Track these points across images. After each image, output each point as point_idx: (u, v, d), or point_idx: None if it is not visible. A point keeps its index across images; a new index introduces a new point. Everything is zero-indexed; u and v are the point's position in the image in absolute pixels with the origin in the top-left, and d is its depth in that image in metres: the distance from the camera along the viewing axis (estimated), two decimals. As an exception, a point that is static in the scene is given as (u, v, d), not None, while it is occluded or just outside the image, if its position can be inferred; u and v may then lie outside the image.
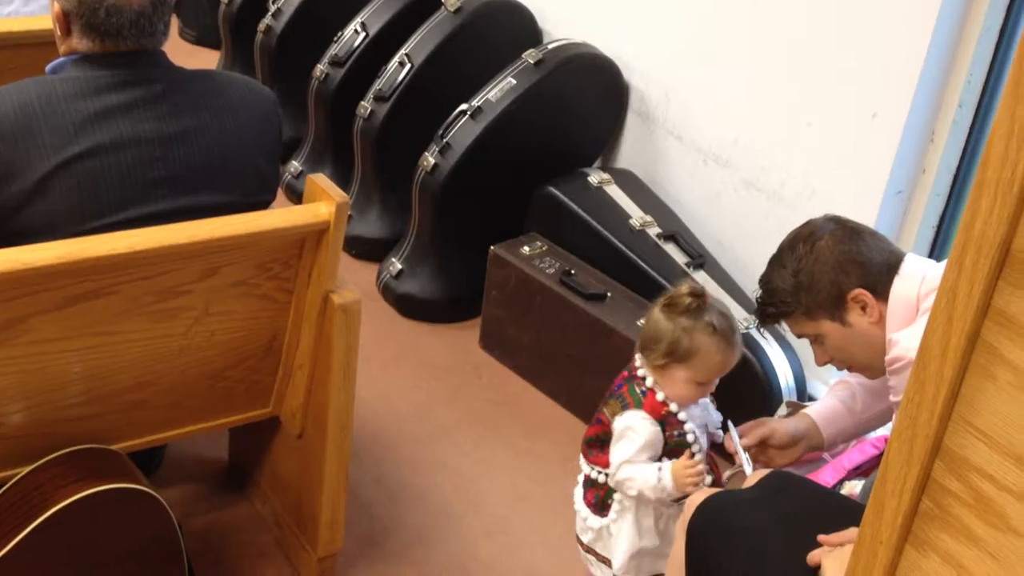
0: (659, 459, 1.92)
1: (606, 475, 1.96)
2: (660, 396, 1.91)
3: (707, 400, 2.00)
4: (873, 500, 0.76)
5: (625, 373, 1.97)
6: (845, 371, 2.07)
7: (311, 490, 2.10)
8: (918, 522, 0.75)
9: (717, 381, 1.94)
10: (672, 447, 1.92)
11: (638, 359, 1.95)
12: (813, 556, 1.63)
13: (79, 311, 1.72)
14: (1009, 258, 0.68)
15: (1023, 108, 0.65)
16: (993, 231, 0.68)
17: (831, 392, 2.18)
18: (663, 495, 1.88)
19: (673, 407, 1.91)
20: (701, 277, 2.72)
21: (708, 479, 1.93)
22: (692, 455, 1.92)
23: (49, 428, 1.82)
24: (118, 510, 1.81)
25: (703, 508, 1.79)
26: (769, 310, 1.99)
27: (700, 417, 1.97)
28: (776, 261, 1.98)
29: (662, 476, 1.87)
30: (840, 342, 1.93)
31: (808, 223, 2.00)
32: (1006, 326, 0.69)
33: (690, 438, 1.93)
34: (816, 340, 1.98)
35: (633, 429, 1.89)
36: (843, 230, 1.94)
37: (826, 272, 1.89)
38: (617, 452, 1.90)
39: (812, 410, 2.14)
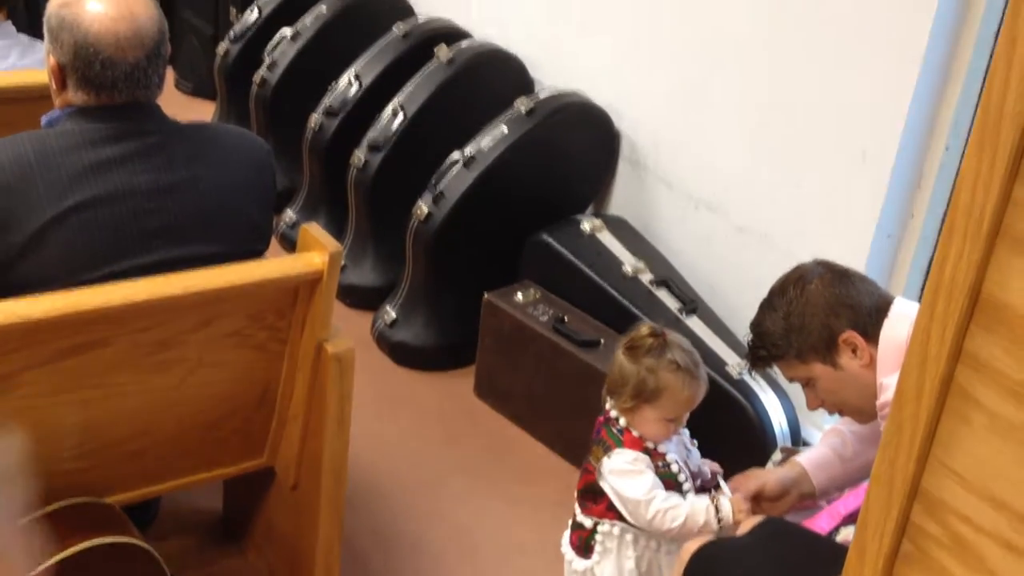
0: None
1: (595, 521, 1.97)
2: (636, 433, 1.94)
3: (685, 439, 2.02)
4: (855, 543, 0.77)
5: (601, 419, 2.00)
6: (837, 416, 2.08)
7: (306, 541, 2.10)
8: (899, 565, 0.76)
9: (687, 416, 1.97)
10: (660, 479, 1.94)
11: (608, 403, 1.98)
12: None
13: (74, 363, 1.72)
14: (979, 302, 0.69)
15: (988, 154, 0.66)
16: (963, 276, 0.69)
17: (822, 440, 2.18)
18: (714, 524, 1.90)
19: (650, 444, 1.95)
20: (694, 323, 2.73)
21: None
22: (682, 486, 1.94)
23: (43, 481, 1.81)
24: (112, 564, 1.81)
25: (698, 557, 1.78)
26: (760, 353, 2.00)
27: (678, 452, 2.00)
28: (767, 305, 2.00)
29: (721, 506, 1.91)
30: (831, 385, 1.94)
31: (797, 267, 2.02)
32: (978, 370, 0.70)
33: (674, 468, 1.96)
34: (808, 383, 1.99)
35: (631, 463, 1.91)
36: (832, 274, 1.96)
37: (816, 315, 1.91)
38: (633, 488, 1.91)
39: (803, 458, 2.14)
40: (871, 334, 1.89)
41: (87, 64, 1.77)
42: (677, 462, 1.96)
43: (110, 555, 1.79)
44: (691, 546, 1.79)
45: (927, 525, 0.74)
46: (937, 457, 0.72)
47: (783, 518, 1.95)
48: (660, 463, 1.95)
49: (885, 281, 2.56)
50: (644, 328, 1.95)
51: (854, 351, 1.89)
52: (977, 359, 0.70)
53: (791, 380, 2.04)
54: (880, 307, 1.91)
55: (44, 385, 1.71)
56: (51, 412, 1.75)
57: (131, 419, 1.86)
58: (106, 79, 1.78)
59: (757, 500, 2.06)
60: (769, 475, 2.09)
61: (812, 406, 2.01)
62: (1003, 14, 2.32)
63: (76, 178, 1.75)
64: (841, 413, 2.03)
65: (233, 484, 2.31)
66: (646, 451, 1.94)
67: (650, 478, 1.91)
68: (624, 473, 1.91)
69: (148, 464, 1.94)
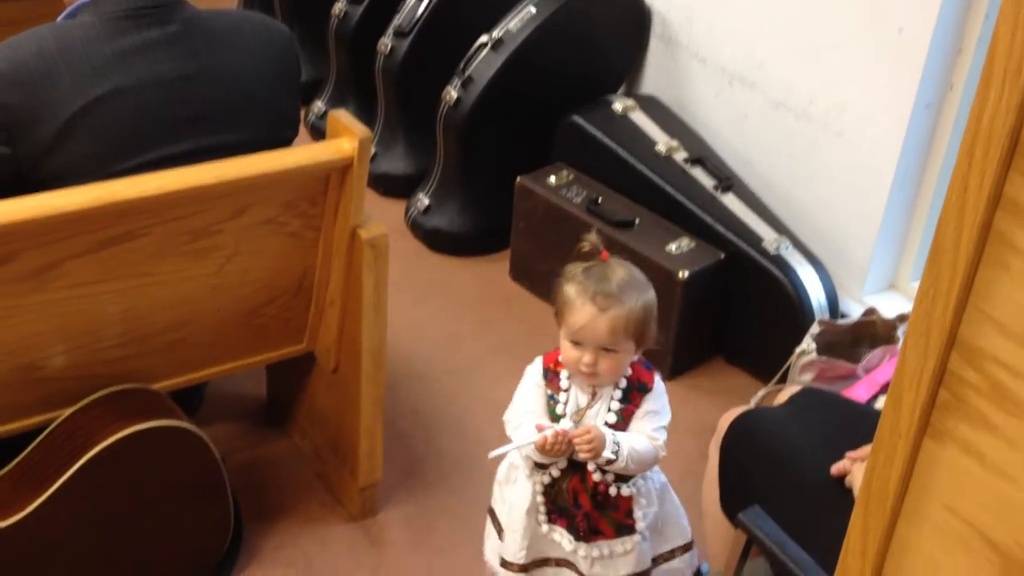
0: None
1: None
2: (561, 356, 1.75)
3: (603, 413, 1.73)
4: (891, 394, 0.78)
5: None
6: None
7: (349, 423, 2.14)
8: (936, 414, 0.76)
9: (607, 369, 1.68)
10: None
11: None
12: (838, 467, 1.64)
13: (113, 254, 1.75)
14: (1019, 147, 0.68)
15: (1029, -5, 0.64)
16: (1002, 121, 0.67)
17: None
18: (528, 448, 1.70)
19: (564, 372, 1.74)
20: (729, 200, 2.71)
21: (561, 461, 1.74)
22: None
23: (90, 370, 1.86)
24: (161, 447, 1.86)
25: (736, 426, 1.80)
26: None
27: (580, 403, 1.74)
28: None
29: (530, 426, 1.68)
30: None
31: None
32: (1018, 215, 0.69)
33: (559, 409, 1.73)
34: None
35: (527, 372, 1.79)
36: None
37: None
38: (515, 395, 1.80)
39: None
40: None
41: None
42: (565, 405, 1.73)
43: (159, 439, 1.84)
44: (729, 415, 1.81)
45: (965, 373, 0.74)
46: (976, 305, 0.72)
47: (820, 387, 1.95)
48: (551, 392, 1.74)
49: (924, 152, 2.52)
50: (593, 235, 1.73)
51: None
52: (1016, 204, 0.68)
53: None
54: None
55: (84, 275, 1.74)
56: (93, 302, 1.78)
57: (171, 308, 1.89)
58: None
59: None
60: None
61: None
62: None
63: (100, 69, 1.74)
64: None
65: (276, 369, 2.35)
66: (550, 370, 1.76)
67: (523, 395, 1.76)
68: (522, 381, 1.79)
69: (191, 351, 1.98)
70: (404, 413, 2.48)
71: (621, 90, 3.15)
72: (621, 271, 1.70)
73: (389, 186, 3.24)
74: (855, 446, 1.66)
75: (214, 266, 1.89)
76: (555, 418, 1.73)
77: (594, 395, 1.73)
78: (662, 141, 2.83)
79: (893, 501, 0.80)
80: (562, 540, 1.79)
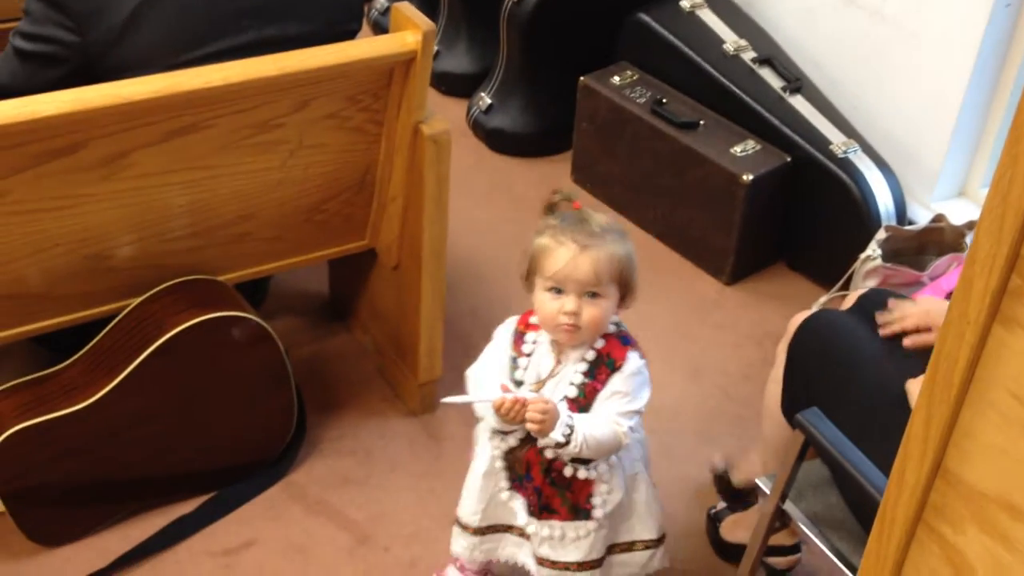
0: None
1: None
2: (533, 318, 1.66)
3: (563, 386, 1.62)
4: (962, 280, 0.76)
5: None
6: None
7: (409, 320, 2.16)
8: (1006, 300, 0.74)
9: (587, 318, 1.57)
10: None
11: None
12: (912, 340, 1.62)
13: (179, 145, 1.77)
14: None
15: None
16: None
17: None
18: (487, 414, 1.62)
19: (531, 335, 1.65)
20: (797, 101, 2.65)
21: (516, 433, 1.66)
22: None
23: (158, 260, 1.90)
24: (228, 337, 1.90)
25: (804, 327, 1.79)
26: None
27: (542, 371, 1.64)
28: None
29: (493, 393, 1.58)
30: None
31: None
32: (1103, 94, 0.67)
33: (519, 375, 1.64)
34: None
35: (497, 332, 1.71)
36: None
37: None
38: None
39: None
40: None
41: None
42: (525, 372, 1.63)
43: (227, 328, 1.88)
44: (799, 317, 1.80)
45: (1039, 258, 0.73)
46: (1053, 188, 0.70)
47: (888, 290, 1.92)
48: (514, 355, 1.65)
49: (1003, 53, 2.44)
50: (562, 189, 1.67)
51: None
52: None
53: None
54: None
55: (151, 166, 1.76)
56: (160, 192, 1.81)
57: (236, 200, 1.91)
58: None
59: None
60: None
61: None
62: None
63: (166, -42, 1.74)
64: None
65: (338, 266, 2.37)
66: (519, 332, 1.66)
67: (490, 353, 1.68)
68: (492, 339, 1.71)
69: (255, 245, 2.01)
70: (464, 312, 2.50)
71: (689, -12, 3.07)
72: (600, 216, 1.61)
73: (451, 85, 3.22)
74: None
75: (278, 160, 1.90)
76: (515, 383, 1.63)
77: (558, 363, 1.63)
78: (730, 40, 2.77)
79: (958, 388, 0.80)
80: (520, 512, 1.71)
